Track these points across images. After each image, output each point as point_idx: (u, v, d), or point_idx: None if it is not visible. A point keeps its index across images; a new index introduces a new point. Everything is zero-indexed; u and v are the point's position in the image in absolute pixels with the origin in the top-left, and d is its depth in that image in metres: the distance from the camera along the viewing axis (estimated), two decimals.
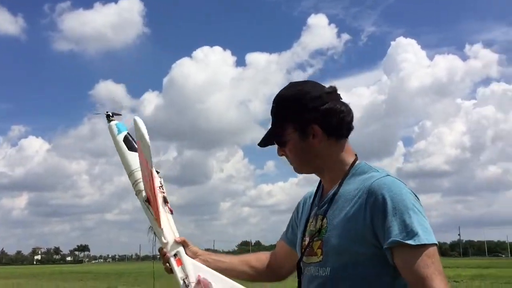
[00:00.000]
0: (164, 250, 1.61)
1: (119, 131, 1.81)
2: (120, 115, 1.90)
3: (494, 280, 17.42)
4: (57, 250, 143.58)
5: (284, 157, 1.48)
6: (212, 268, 1.62)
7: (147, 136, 1.44)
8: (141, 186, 1.68)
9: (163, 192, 1.69)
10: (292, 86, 1.48)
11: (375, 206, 1.26)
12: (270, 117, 1.49)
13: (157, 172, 1.71)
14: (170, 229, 1.63)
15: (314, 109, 1.39)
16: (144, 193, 1.68)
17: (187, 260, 1.58)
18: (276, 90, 1.49)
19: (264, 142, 1.50)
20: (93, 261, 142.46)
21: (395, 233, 1.21)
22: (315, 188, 1.56)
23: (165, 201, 1.68)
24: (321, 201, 1.46)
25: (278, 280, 1.74)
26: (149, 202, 1.64)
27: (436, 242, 1.22)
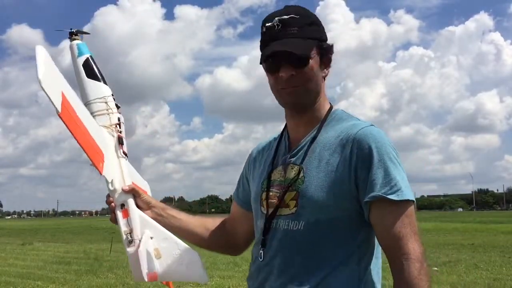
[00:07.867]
0: (111, 198, 1.41)
1: (80, 53, 1.53)
2: (88, 33, 1.59)
3: None
4: None
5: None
6: (165, 225, 1.42)
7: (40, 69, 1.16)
8: (98, 120, 1.43)
9: (119, 132, 1.44)
10: (301, 7, 1.28)
11: (361, 157, 1.16)
12: (266, 34, 1.24)
13: (117, 107, 1.47)
14: (120, 176, 1.41)
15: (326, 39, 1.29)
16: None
17: (134, 213, 1.39)
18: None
19: (282, 53, 1.19)
20: (6, 217, 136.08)
21: (378, 187, 1.13)
22: (274, 138, 1.41)
23: (120, 142, 1.43)
24: (291, 149, 1.31)
25: (235, 252, 1.52)
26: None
27: (414, 199, 1.15)
